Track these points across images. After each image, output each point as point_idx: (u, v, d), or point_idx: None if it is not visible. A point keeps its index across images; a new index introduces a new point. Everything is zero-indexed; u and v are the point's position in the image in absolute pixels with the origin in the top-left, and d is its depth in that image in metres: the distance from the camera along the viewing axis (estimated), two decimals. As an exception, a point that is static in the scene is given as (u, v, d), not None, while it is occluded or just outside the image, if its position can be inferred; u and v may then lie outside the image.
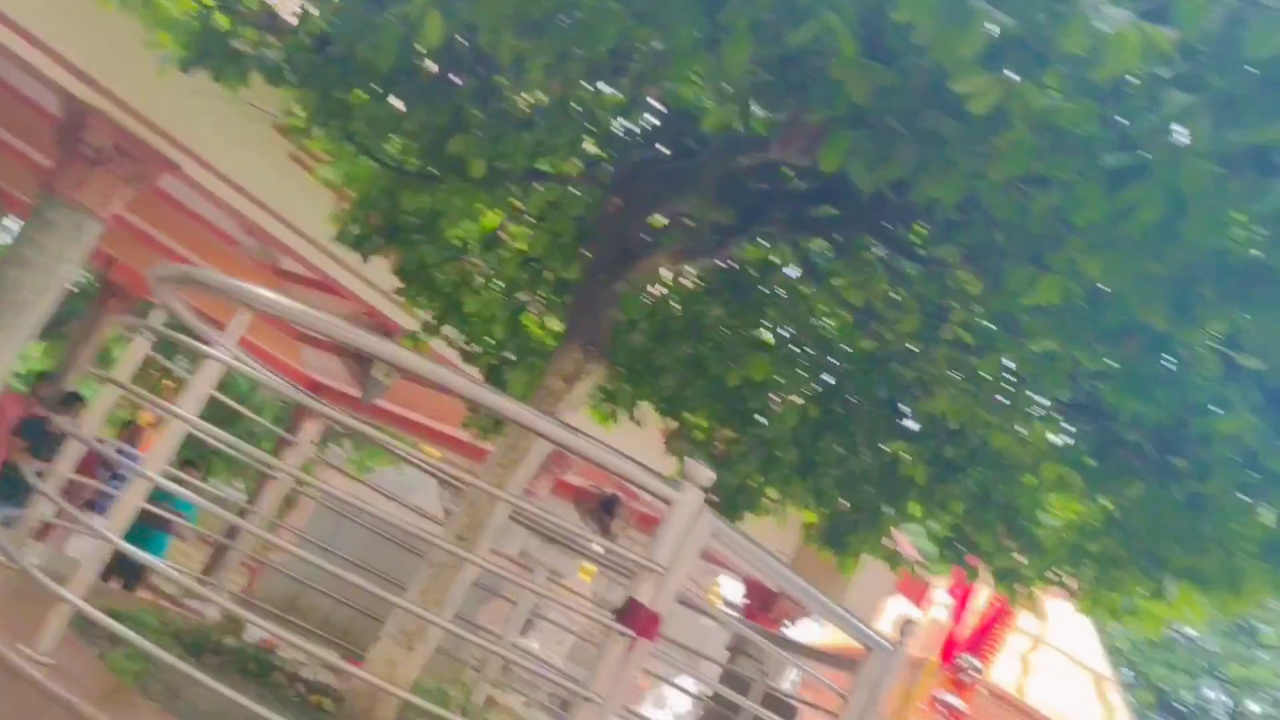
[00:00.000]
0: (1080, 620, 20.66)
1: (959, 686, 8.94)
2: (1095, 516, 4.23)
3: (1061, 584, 4.79)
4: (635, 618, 2.36)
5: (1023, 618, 17.60)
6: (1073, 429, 3.91)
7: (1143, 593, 4.29)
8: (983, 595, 8.78)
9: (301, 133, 4.31)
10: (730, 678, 4.36)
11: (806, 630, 22.98)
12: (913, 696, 9.01)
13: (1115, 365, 3.21)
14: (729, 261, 4.40)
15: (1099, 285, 2.86)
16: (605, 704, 2.31)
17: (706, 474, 2.48)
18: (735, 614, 8.84)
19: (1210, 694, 32.26)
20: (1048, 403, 3.78)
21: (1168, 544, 3.91)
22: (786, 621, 9.38)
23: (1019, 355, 3.48)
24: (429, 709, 2.58)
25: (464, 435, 6.03)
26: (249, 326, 2.88)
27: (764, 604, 8.66)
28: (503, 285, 4.79)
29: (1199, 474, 3.46)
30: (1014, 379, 3.70)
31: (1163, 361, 3.06)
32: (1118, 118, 2.28)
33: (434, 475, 4.36)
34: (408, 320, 5.56)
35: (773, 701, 3.89)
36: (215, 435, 2.82)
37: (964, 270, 3.41)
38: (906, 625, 3.09)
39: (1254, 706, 31.06)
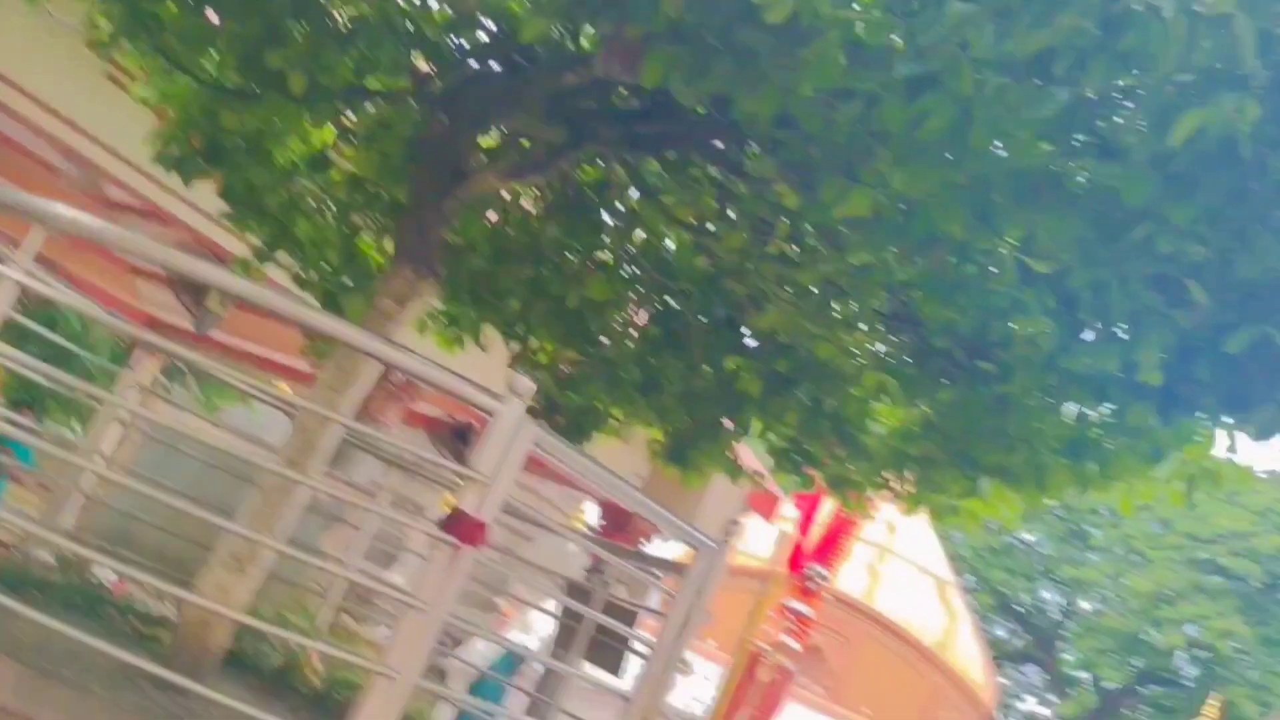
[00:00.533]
0: (925, 530, 21.80)
1: (806, 594, 9.36)
2: (915, 422, 4.46)
3: (890, 488, 5.05)
4: (459, 526, 2.39)
5: (870, 528, 18.48)
6: (891, 338, 4.10)
7: (959, 491, 4.57)
8: (829, 507, 9.16)
9: (107, 47, 4.08)
10: (574, 589, 4.47)
11: (666, 548, 23.49)
12: (763, 606, 9.40)
13: (924, 275, 3.37)
14: (562, 181, 4.41)
15: (905, 196, 2.99)
16: (431, 611, 2.36)
17: (527, 385, 2.52)
18: (591, 534, 9.01)
19: (1046, 595, 34.64)
20: (867, 313, 3.95)
21: (979, 444, 4.17)
22: (643, 540, 9.60)
23: (838, 267, 3.62)
24: (263, 629, 2.58)
25: (307, 367, 5.91)
26: (78, 260, 2.76)
27: (619, 524, 8.84)
28: (335, 208, 4.68)
29: (1003, 376, 3.69)
30: (835, 291, 3.85)
31: (965, 269, 3.23)
32: (911, 29, 2.37)
33: (263, 400, 4.27)
34: (242, 248, 5.39)
35: (612, 609, 4.02)
36: (42, 371, 2.71)
37: (782, 185, 3.51)
38: (731, 526, 3.23)
39: (1085, 604, 33.51)
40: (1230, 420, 3.39)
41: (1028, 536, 33.12)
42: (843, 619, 19.28)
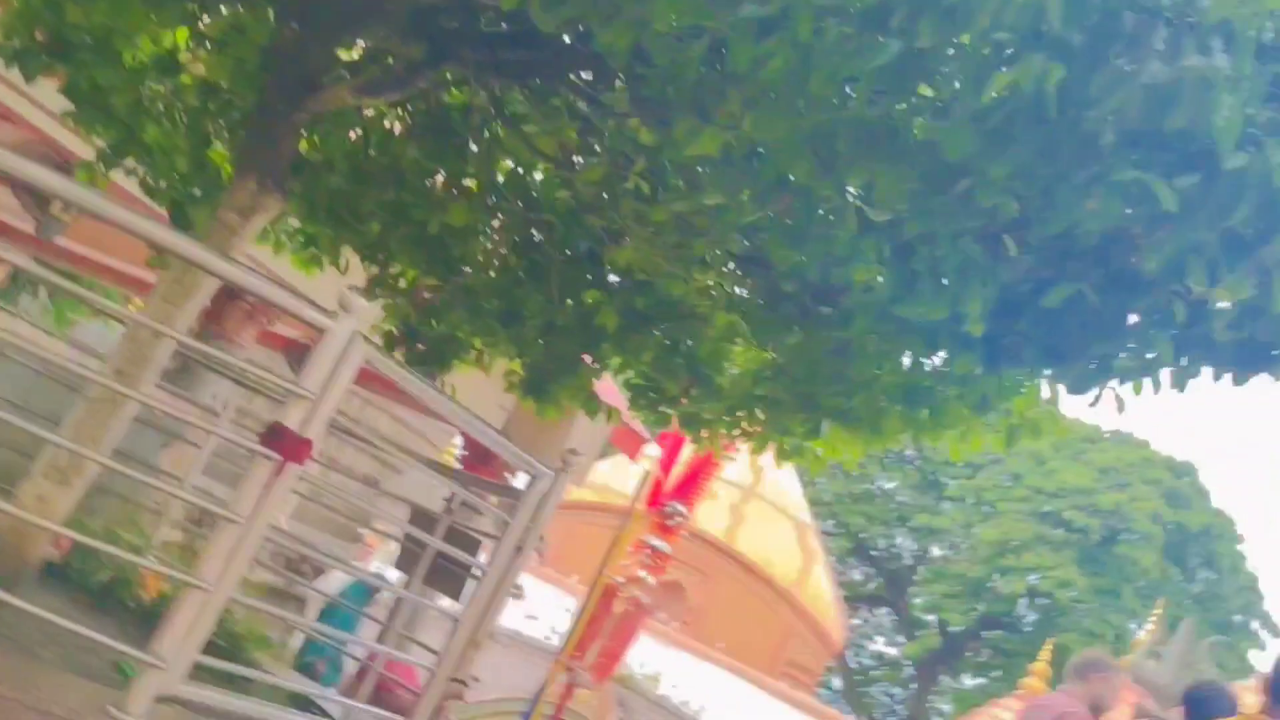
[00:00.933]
0: (788, 475, 22.43)
1: (665, 531, 9.53)
2: (764, 364, 4.58)
3: (740, 428, 5.19)
4: (282, 442, 2.37)
5: (735, 471, 18.94)
6: (743, 281, 4.19)
7: (803, 433, 4.72)
8: (691, 447, 9.32)
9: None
10: (421, 517, 4.48)
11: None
12: (621, 541, 9.55)
13: (773, 218, 3.45)
14: (426, 102, 4.34)
15: (754, 140, 3.04)
16: (248, 525, 2.34)
17: (361, 304, 2.50)
18: (457, 467, 8.99)
19: (901, 541, 36.16)
20: (720, 254, 4.02)
21: (821, 388, 4.31)
22: (509, 474, 9.63)
23: (692, 206, 3.66)
24: (85, 542, 2.52)
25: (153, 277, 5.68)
26: None
27: (482, 457, 8.83)
28: (185, 115, 4.50)
29: (844, 322, 3.81)
30: (689, 230, 3.90)
31: (811, 215, 3.31)
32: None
33: (101, 311, 4.12)
34: (89, 150, 5.13)
35: (457, 537, 4.05)
36: None
37: (638, 120, 3.52)
38: (568, 456, 3.28)
39: (936, 551, 35.11)
40: (1049, 373, 3.58)
41: (887, 484, 34.43)
42: (704, 557, 19.80)
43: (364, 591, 8.12)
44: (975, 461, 32.17)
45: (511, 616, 16.20)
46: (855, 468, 32.20)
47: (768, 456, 5.29)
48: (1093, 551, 29.45)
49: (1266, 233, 2.16)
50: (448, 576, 4.33)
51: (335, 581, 9.03)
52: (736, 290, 4.36)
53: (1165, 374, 3.31)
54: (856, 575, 36.87)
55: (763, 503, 20.79)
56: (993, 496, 31.11)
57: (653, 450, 10.43)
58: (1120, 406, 3.49)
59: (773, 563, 20.07)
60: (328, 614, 8.00)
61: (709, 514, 19.22)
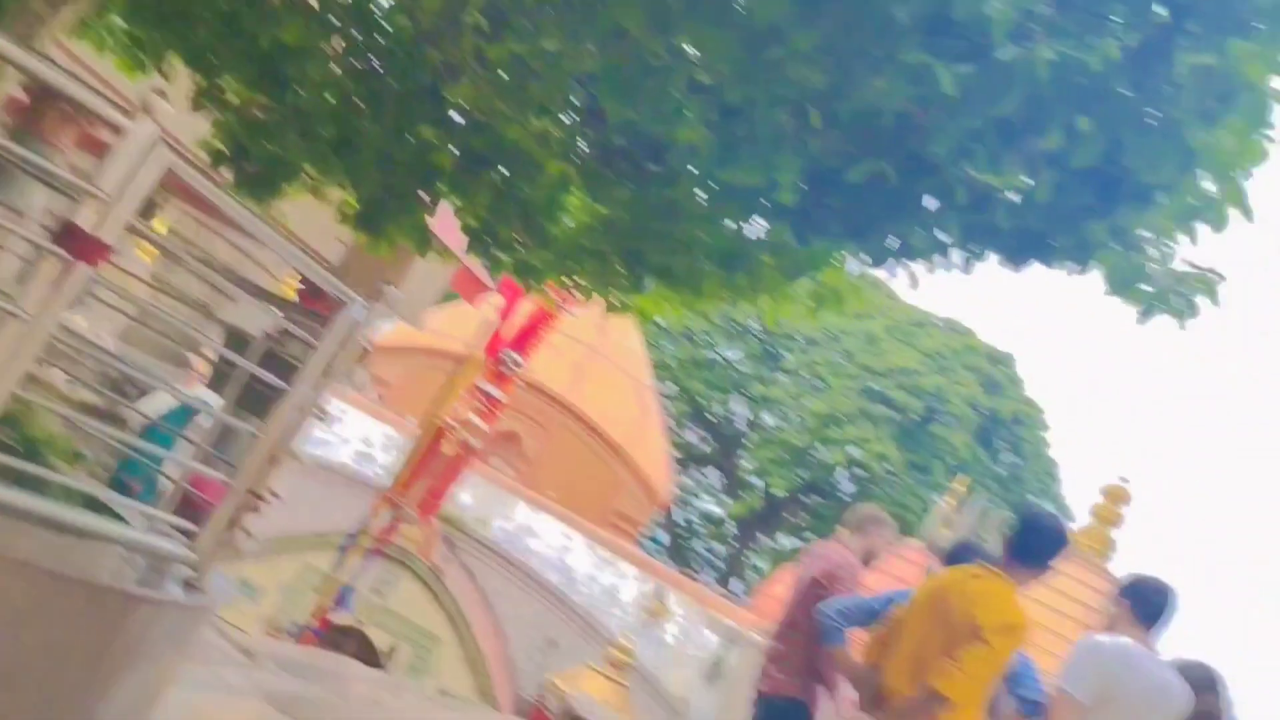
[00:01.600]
0: (633, 336, 22.83)
1: (499, 379, 9.70)
2: (594, 217, 4.66)
3: (571, 280, 5.29)
4: (73, 240, 2.33)
5: (580, 328, 19.17)
6: (578, 131, 4.22)
7: (628, 288, 4.87)
8: (531, 298, 9.41)
9: None
10: (234, 338, 4.44)
11: (392, 328, 23.32)
12: (455, 385, 9.66)
13: (607, 69, 3.47)
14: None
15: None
16: (33, 323, 2.31)
17: (164, 106, 2.43)
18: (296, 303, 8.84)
19: (737, 408, 37.50)
20: (556, 101, 4.02)
21: (647, 245, 4.44)
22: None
23: (530, 49, 3.64)
24: None
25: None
26: None
27: (317, 291, 8.72)
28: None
29: (670, 181, 3.91)
30: (527, 73, 3.88)
31: (643, 70, 3.36)
32: None
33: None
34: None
35: (276, 362, 4.03)
36: None
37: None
38: (380, 287, 3.31)
39: (768, 418, 36.56)
40: (853, 246, 3.79)
41: (728, 353, 35.45)
42: (543, 410, 20.14)
43: (185, 414, 8.00)
44: (812, 338, 33.41)
45: (343, 453, 16.21)
46: (680, 325, 32.83)
47: (615, 318, 5.43)
48: (910, 429, 31.28)
49: (1036, 125, 2.33)
50: (262, 402, 4.33)
51: (158, 404, 8.86)
52: (571, 141, 4.39)
53: (957, 257, 3.57)
54: (692, 438, 38.16)
55: (606, 362, 21.17)
56: (825, 371, 32.48)
57: (495, 299, 10.47)
58: (913, 283, 3.74)
59: (610, 419, 20.57)
60: (147, 435, 7.87)
61: (551, 368, 19.47)
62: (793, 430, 33.46)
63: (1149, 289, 3.10)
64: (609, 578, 17.23)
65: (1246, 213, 2.55)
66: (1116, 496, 20.83)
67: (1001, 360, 33.21)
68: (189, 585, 2.92)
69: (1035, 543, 3.44)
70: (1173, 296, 3.10)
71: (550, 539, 16.99)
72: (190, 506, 4.28)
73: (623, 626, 16.42)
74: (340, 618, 11.34)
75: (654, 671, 16.78)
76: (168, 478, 6.13)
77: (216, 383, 4.62)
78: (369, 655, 13.27)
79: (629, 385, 21.81)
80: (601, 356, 21.27)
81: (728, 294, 4.61)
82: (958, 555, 4.32)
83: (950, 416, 31.20)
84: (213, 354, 8.75)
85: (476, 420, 9.50)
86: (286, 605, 13.87)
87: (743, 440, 36.54)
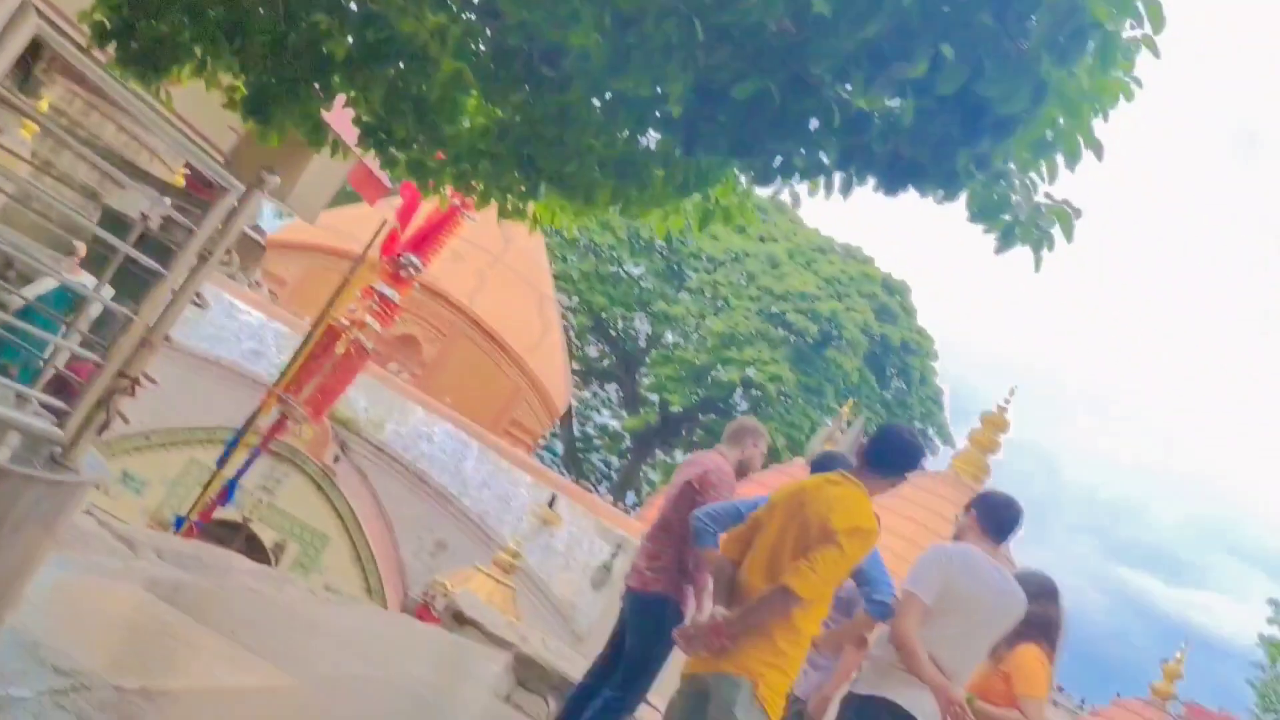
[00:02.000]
0: (538, 247, 22.72)
1: (396, 281, 9.62)
2: (490, 119, 4.64)
3: (467, 182, 5.27)
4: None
5: (482, 237, 19.01)
6: (475, 30, 4.18)
7: (522, 193, 4.89)
8: (431, 200, 9.30)
9: None
10: (110, 220, 4.35)
11: (288, 225, 22.69)
12: (350, 285, 9.55)
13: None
14: None
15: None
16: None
17: (33, -28, 2.36)
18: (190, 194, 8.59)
19: (639, 324, 37.78)
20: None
21: (541, 150, 4.46)
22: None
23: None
24: None
25: None
26: None
27: (205, 180, 8.48)
28: None
29: (564, 87, 3.93)
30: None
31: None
32: None
33: None
34: None
35: (155, 247, 3.98)
36: None
37: None
38: (263, 174, 3.29)
39: (669, 336, 36.95)
40: (739, 162, 3.88)
41: (634, 269, 35.55)
42: (443, 316, 20.02)
43: (66, 299, 7.79)
44: (717, 258, 33.70)
45: (235, 350, 15.92)
46: (586, 239, 32.75)
47: (519, 227, 5.43)
48: (805, 352, 32.01)
49: (903, 51, 2.43)
50: (141, 287, 4.27)
51: (37, 288, 8.59)
52: (468, 39, 4.35)
53: (838, 180, 3.69)
54: (593, 351, 38.40)
55: (509, 271, 21.06)
56: (727, 292, 32.88)
57: (396, 201, 10.32)
58: (795, 201, 3.86)
59: (510, 329, 20.56)
60: (25, 319, 7.64)
61: (453, 275, 19.30)
62: (692, 349, 33.92)
63: (1009, 219, 3.27)
64: (503, 485, 17.42)
65: (1097, 150, 2.71)
66: (994, 424, 21.73)
67: (896, 289, 34.06)
68: (57, 463, 2.93)
69: (889, 453, 3.65)
70: (1030, 227, 3.28)
71: (445, 445, 17.05)
72: (69, 391, 4.22)
73: (515, 533, 16.68)
74: (225, 513, 11.28)
75: (543, 576, 17.14)
76: (45, 360, 6.01)
77: (95, 267, 4.54)
78: (255, 551, 13.25)
79: (531, 296, 21.78)
80: (504, 265, 21.16)
81: (620, 204, 4.67)
82: (822, 464, 4.55)
83: (844, 342, 31.99)
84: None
85: (371, 322, 9.43)
86: (170, 499, 13.72)
87: (643, 357, 36.91)
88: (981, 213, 3.31)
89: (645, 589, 4.86)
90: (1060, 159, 2.89)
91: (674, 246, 33.80)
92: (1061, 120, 2.62)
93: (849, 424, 15.92)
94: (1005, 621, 4.23)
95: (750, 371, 31.93)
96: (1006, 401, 21.39)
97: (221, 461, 9.15)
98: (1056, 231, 3.36)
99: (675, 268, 35.30)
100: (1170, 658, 20.62)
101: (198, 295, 3.16)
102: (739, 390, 33.61)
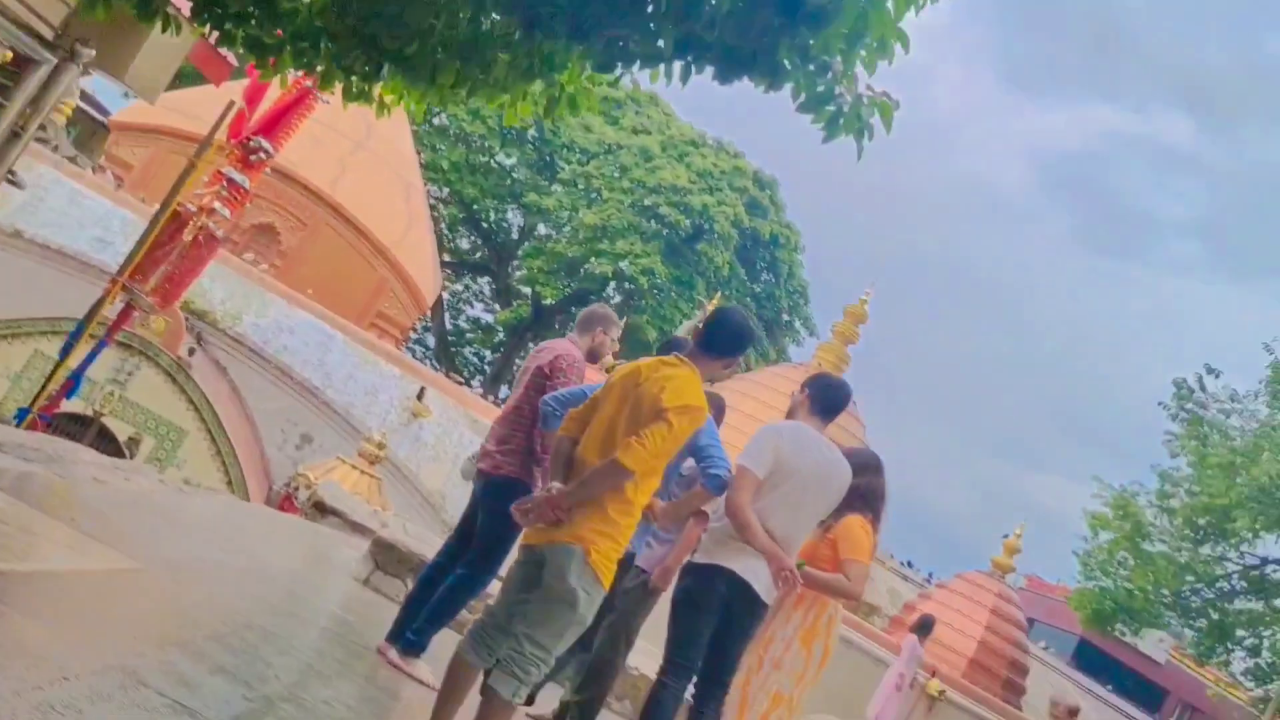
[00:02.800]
0: (404, 136, 22.09)
1: (246, 165, 9.27)
2: (329, -2, 4.51)
3: (309, 62, 5.12)
4: None
5: (343, 123, 18.36)
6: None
7: (366, 75, 4.79)
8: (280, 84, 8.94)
9: None
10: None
11: (130, 106, 21.46)
12: (197, 170, 9.17)
13: None
14: None
15: None
16: None
17: None
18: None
19: (511, 216, 37.32)
20: None
21: (381, 29, 4.37)
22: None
23: None
24: None
25: None
26: None
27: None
28: None
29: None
30: None
31: None
32: None
33: None
34: None
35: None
36: None
37: None
38: (78, 48, 3.16)
39: (542, 228, 36.66)
40: (579, 47, 3.90)
41: (506, 160, 34.95)
42: (302, 203, 19.41)
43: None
44: (590, 150, 33.37)
45: (80, 238, 15.18)
46: (456, 128, 32.00)
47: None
48: (677, 246, 32.25)
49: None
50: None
51: None
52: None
53: (677, 69, 3.75)
54: (465, 244, 37.86)
55: (372, 158, 20.44)
56: (600, 184, 32.69)
57: (245, 84, 9.87)
58: (634, 84, 3.91)
59: (375, 218, 20.06)
60: None
61: (313, 161, 18.65)
62: (565, 241, 33.78)
63: (833, 109, 3.41)
64: (369, 378, 17.25)
65: (904, 43, 2.84)
66: (854, 315, 22.51)
67: (767, 184, 34.45)
68: None
69: (721, 336, 3.80)
70: (853, 118, 3.42)
71: (308, 337, 16.74)
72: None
73: (383, 426, 16.62)
74: (74, 406, 10.91)
75: (412, 468, 17.20)
76: None
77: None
78: (108, 445, 12.90)
79: (397, 184, 21.23)
80: (368, 152, 20.54)
81: (466, 88, 4.63)
82: (665, 348, 4.71)
83: (716, 235, 32.33)
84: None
85: (220, 208, 9.10)
86: (15, 392, 13.17)
87: (516, 249, 36.59)
88: (808, 104, 3.44)
89: (496, 471, 4.98)
90: (875, 49, 3.02)
91: (546, 138, 33.31)
92: (870, 14, 2.74)
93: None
94: (831, 492, 4.51)
95: (623, 265, 32.03)
96: (867, 294, 22.15)
97: (64, 352, 8.81)
98: (878, 122, 3.52)
99: (548, 159, 34.84)
100: (1010, 534, 22.08)
101: (11, 174, 3.05)
102: (612, 283, 33.75)
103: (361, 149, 20.37)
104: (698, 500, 4.70)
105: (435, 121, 33.14)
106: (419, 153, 30.57)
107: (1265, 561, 18.51)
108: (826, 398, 4.68)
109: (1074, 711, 7.40)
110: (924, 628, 12.69)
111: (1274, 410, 18.62)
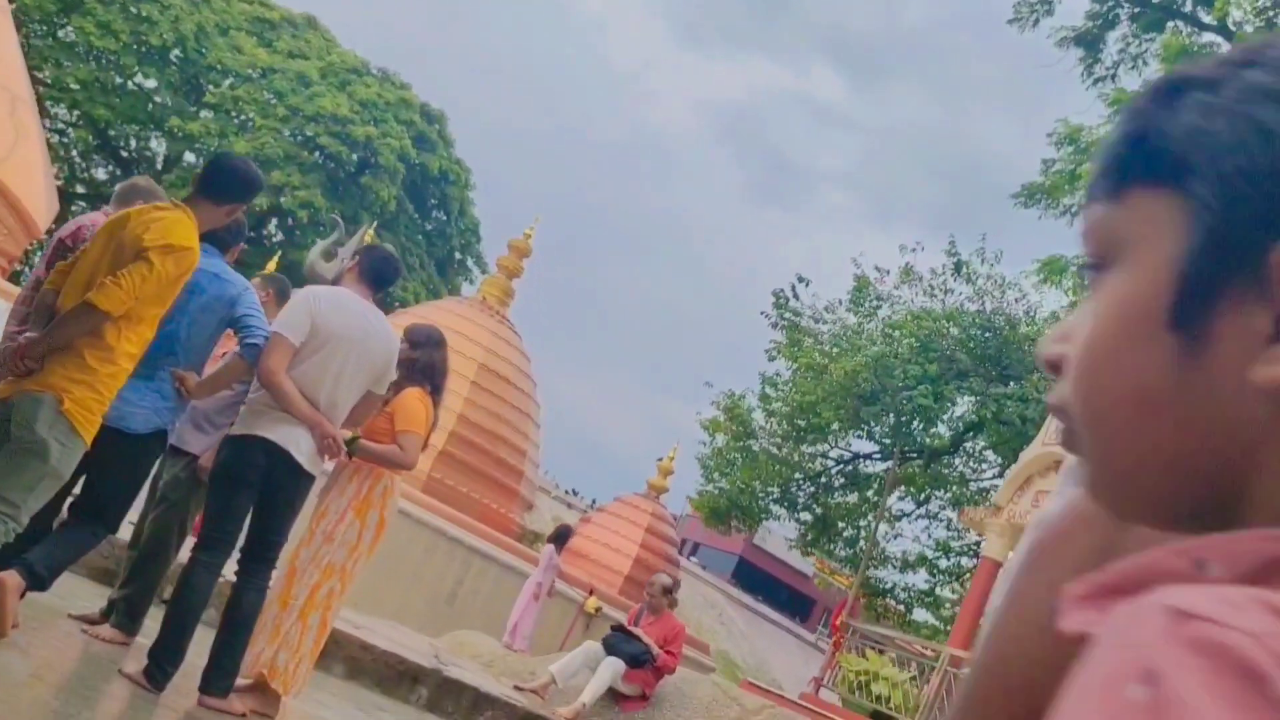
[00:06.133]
0: (8, 41, 19.57)
1: None
2: None
3: None
4: None
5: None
6: None
7: None
8: None
9: None
10: None
11: None
12: None
13: None
14: None
15: None
16: None
17: None
18: None
19: (154, 144, 34.28)
20: None
21: None
22: None
23: None
24: None
25: None
26: None
27: None
28: None
29: None
30: None
31: None
32: None
33: None
34: None
35: None
36: None
37: None
38: None
39: (190, 157, 33.95)
40: None
41: (145, 81, 31.98)
42: None
43: None
44: (240, 72, 31.22)
45: None
46: (85, 43, 28.92)
47: None
48: (340, 179, 31.01)
49: None
50: None
51: None
52: None
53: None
54: (101, 174, 34.41)
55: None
56: (252, 111, 30.68)
57: None
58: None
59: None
60: None
61: None
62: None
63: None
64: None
65: None
66: (518, 250, 22.66)
67: (435, 117, 33.80)
68: None
69: (219, 180, 3.65)
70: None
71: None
72: None
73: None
74: None
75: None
76: None
77: None
78: None
79: (0, 95, 18.80)
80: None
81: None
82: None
83: (381, 169, 31.37)
84: None
85: None
86: None
87: (161, 179, 33.68)
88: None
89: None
90: None
91: (190, 57, 30.74)
92: None
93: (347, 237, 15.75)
94: (375, 355, 4.48)
95: (281, 198, 30.37)
96: (531, 228, 22.38)
97: None
98: None
99: (193, 81, 32.19)
100: (664, 457, 23.28)
101: None
102: (273, 220, 31.97)
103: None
104: (235, 371, 4.52)
105: (60, 35, 29.73)
106: (41, 70, 27.30)
107: (857, 456, 20.78)
108: (376, 268, 4.65)
109: (669, 589, 7.93)
110: (560, 538, 13.14)
111: (858, 318, 20.96)
